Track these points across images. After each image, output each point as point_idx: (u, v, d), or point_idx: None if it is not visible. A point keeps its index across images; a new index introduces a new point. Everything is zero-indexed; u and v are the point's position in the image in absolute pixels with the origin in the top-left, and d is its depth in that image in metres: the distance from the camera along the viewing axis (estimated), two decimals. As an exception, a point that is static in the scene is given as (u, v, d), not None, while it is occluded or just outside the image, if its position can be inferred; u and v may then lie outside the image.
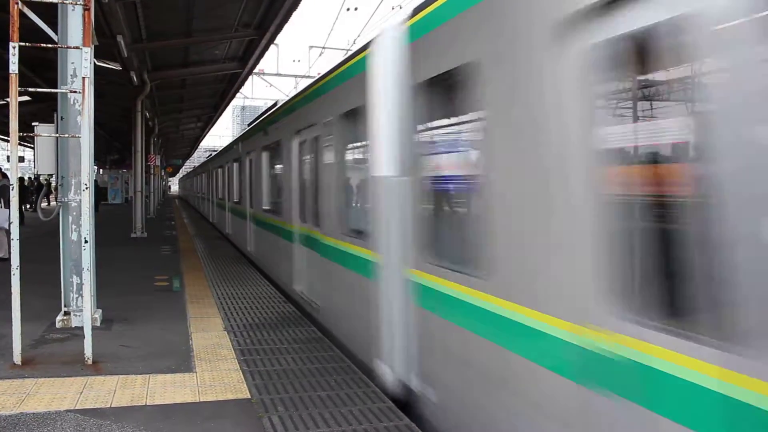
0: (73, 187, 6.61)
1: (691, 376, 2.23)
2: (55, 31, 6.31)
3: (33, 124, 6.68)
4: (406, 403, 4.70)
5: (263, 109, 15.42)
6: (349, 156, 6.34)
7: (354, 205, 6.40)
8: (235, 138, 12.65)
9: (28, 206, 24.56)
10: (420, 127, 4.58)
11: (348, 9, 25.18)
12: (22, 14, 5.48)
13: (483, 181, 3.64)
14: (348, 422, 4.23)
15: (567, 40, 2.83)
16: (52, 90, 6.57)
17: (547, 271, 3.04)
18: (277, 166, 10.26)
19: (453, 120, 4.44)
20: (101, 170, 39.36)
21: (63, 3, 6.19)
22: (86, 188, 5.76)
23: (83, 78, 5.76)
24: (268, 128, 10.83)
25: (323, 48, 26.98)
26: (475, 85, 3.65)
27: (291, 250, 8.78)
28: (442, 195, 4.72)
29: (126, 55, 13.23)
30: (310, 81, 7.20)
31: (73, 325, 6.61)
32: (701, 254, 2.25)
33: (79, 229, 6.37)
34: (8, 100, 5.39)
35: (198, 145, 57.08)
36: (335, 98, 6.55)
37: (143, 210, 19.35)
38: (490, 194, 3.54)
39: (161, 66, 17.44)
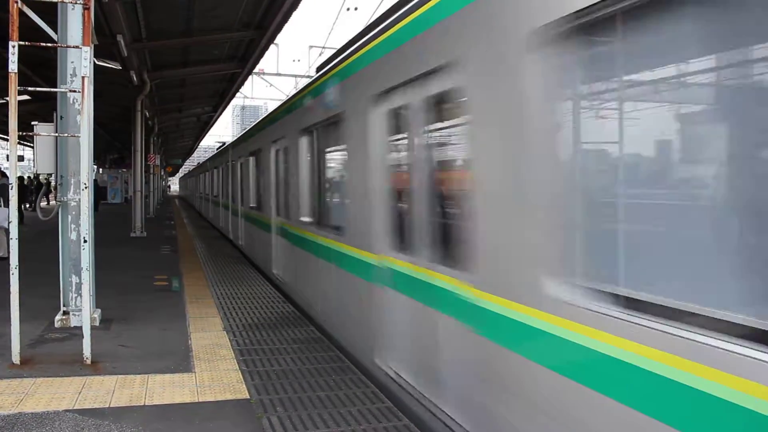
0: (72, 187, 6.60)
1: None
2: (55, 30, 6.30)
3: (32, 123, 6.67)
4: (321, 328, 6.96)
5: (263, 110, 15.82)
6: (305, 163, 7.91)
7: (306, 200, 7.89)
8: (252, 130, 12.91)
9: (27, 205, 24.56)
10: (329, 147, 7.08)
11: (348, 9, 25.21)
12: (21, 13, 5.47)
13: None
14: (347, 422, 4.22)
15: (377, 106, 5.11)
16: (52, 89, 6.56)
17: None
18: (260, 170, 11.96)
19: (337, 147, 6.59)
20: (101, 169, 39.32)
21: (63, 2, 6.18)
22: (86, 188, 5.76)
23: (83, 77, 5.75)
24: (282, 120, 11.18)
25: (323, 48, 27.00)
26: (345, 123, 5.94)
27: (270, 239, 10.39)
28: (338, 190, 6.83)
29: (126, 55, 13.20)
30: (307, 81, 8.27)
31: (72, 325, 6.61)
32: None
33: (79, 228, 6.37)
34: (8, 99, 5.38)
35: (198, 145, 57.06)
36: (296, 118, 8.34)
37: (143, 209, 19.35)
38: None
39: (161, 65, 17.40)
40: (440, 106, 4.16)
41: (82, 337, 5.50)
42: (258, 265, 12.05)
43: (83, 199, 5.80)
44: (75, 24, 6.32)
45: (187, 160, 77.29)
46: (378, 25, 5.35)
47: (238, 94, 25.64)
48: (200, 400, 4.62)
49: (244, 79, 19.70)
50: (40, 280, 7.83)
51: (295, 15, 12.63)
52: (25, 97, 15.89)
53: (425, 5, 4.16)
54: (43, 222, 7.17)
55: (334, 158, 6.89)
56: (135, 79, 15.94)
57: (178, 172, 79.62)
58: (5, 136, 28.17)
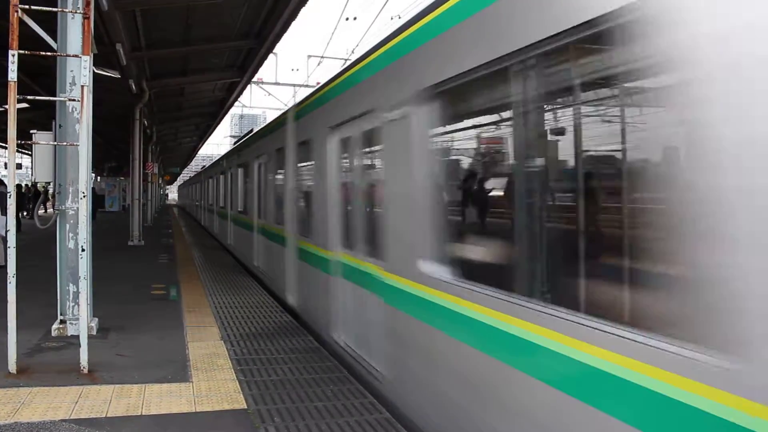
0: (70, 195, 6.59)
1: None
2: (55, 39, 6.31)
3: (31, 131, 6.66)
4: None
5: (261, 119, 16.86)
6: (279, 175, 9.70)
7: (280, 205, 9.61)
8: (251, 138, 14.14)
9: (25, 213, 24.51)
10: (300, 164, 8.42)
11: (347, 18, 25.32)
12: (21, 22, 5.49)
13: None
14: (345, 433, 4.21)
15: (330, 135, 6.62)
16: (51, 98, 6.56)
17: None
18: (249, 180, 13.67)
19: (307, 162, 7.95)
20: (98, 177, 39.27)
21: (63, 11, 6.20)
22: (84, 196, 5.75)
23: (82, 86, 5.76)
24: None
25: (322, 57, 27.12)
26: (314, 147, 7.36)
27: (252, 238, 12.34)
28: (305, 196, 8.18)
29: (125, 63, 13.22)
30: (310, 90, 9.56)
31: (69, 334, 6.58)
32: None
33: (76, 237, 6.36)
34: (7, 107, 5.38)
35: (196, 154, 57.08)
36: (273, 138, 10.27)
37: (140, 218, 19.32)
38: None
39: (160, 74, 17.43)
40: (369, 139, 5.55)
41: (79, 346, 5.48)
42: (240, 260, 14.32)
43: (81, 208, 5.80)
44: (75, 33, 6.34)
45: (185, 169, 77.26)
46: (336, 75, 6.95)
47: (236, 103, 25.70)
48: (198, 410, 4.60)
49: (242, 88, 19.75)
50: (37, 288, 7.81)
51: (293, 24, 12.67)
52: (24, 105, 15.88)
53: (357, 65, 5.90)
54: (41, 230, 7.15)
55: (304, 173, 8.24)
56: (134, 87, 15.95)
57: (176, 180, 79.59)
58: (4, 144, 28.14)
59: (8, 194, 5.39)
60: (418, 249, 4.30)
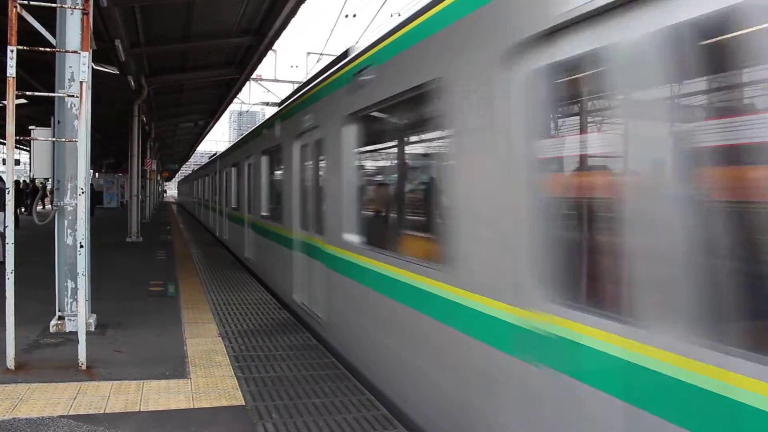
0: (69, 192, 6.58)
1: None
2: (54, 35, 6.30)
3: (30, 127, 6.64)
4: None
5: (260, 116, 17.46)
6: (263, 175, 11.10)
7: (265, 200, 11.03)
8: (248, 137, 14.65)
9: (23, 209, 24.46)
10: (275, 166, 9.84)
11: (346, 15, 25.36)
12: (20, 18, 5.48)
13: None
14: (342, 430, 4.22)
15: (297, 141, 8.18)
16: (50, 94, 6.56)
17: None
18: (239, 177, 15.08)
19: (281, 165, 9.31)
20: (97, 174, 39.22)
21: (62, 7, 6.19)
22: (82, 193, 5.75)
23: (81, 82, 5.75)
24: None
25: (321, 54, 27.07)
26: (284, 150, 8.87)
27: (243, 230, 13.52)
28: (281, 193, 9.46)
29: (124, 60, 13.19)
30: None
31: (67, 330, 6.58)
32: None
33: (75, 233, 6.36)
34: (5, 103, 5.37)
35: (194, 150, 57.02)
36: (262, 140, 11.35)
37: (139, 214, 19.30)
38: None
39: (159, 70, 17.40)
40: (319, 147, 6.94)
41: (78, 342, 5.48)
42: (233, 251, 15.76)
43: (80, 204, 5.79)
44: (74, 29, 6.33)
45: (184, 165, 77.15)
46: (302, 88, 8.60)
47: (235, 100, 25.66)
48: (196, 407, 4.61)
49: (241, 85, 19.72)
50: (35, 284, 7.81)
51: (293, 21, 12.66)
52: (23, 100, 15.86)
53: (313, 89, 7.42)
54: (39, 226, 7.14)
55: (278, 172, 9.72)
56: (133, 83, 15.92)
57: (174, 176, 79.49)
58: (2, 140, 28.08)
59: (7, 190, 5.38)
60: (345, 226, 5.83)
